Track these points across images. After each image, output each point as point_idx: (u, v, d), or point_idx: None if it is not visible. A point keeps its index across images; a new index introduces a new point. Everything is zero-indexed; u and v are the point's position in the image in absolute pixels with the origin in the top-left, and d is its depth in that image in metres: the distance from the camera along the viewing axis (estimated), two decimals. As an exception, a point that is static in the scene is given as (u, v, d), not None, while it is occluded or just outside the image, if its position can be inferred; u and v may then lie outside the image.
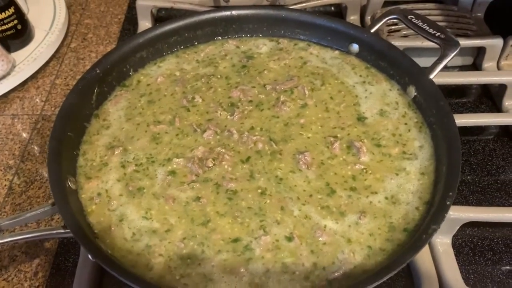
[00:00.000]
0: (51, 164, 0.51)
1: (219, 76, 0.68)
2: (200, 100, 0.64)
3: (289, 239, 0.49)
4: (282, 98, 0.64)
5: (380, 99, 0.64)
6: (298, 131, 0.60)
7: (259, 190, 0.54)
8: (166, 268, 0.47)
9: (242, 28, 0.73)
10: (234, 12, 0.72)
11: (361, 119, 0.62)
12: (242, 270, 0.46)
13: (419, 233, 0.46)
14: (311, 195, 0.53)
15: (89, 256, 0.45)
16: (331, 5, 0.96)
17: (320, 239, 0.49)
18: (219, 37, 0.73)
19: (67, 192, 0.51)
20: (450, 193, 0.48)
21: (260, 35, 0.74)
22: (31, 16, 0.92)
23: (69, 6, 1.01)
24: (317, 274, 0.46)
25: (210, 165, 0.56)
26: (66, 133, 0.56)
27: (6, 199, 0.67)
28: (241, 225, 0.50)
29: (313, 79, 0.67)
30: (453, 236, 0.60)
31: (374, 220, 0.51)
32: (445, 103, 0.57)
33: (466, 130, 0.73)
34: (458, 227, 0.58)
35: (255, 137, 0.59)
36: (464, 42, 0.78)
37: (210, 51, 0.72)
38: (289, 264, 0.47)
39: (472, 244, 0.61)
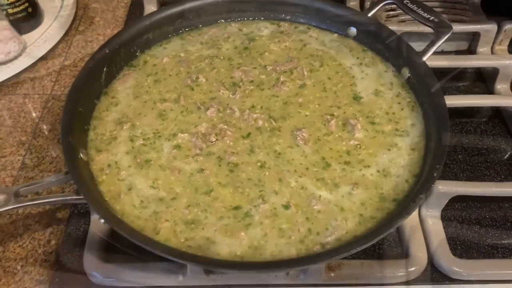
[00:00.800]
0: (64, 136, 0.54)
1: (222, 58, 0.71)
2: (204, 80, 0.68)
3: (286, 207, 0.52)
4: (282, 78, 0.67)
5: (375, 80, 0.67)
6: (297, 110, 0.63)
7: (259, 164, 0.57)
8: (171, 232, 0.51)
9: (245, 11, 0.76)
10: (237, -4, 0.75)
11: (357, 98, 0.65)
12: (242, 234, 0.50)
13: (407, 202, 0.50)
14: (307, 168, 0.56)
15: (100, 220, 0.49)
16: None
17: (315, 207, 0.52)
18: (223, 20, 0.76)
19: (80, 162, 0.54)
20: (437, 166, 0.51)
21: (262, 19, 0.77)
22: (40, 0, 0.95)
23: (76, -9, 1.04)
24: (311, 238, 0.50)
25: (213, 140, 0.59)
26: (77, 108, 0.60)
27: (20, 172, 0.71)
28: (241, 195, 0.54)
29: (312, 61, 0.70)
30: (443, 210, 0.63)
31: (366, 191, 0.54)
32: (436, 84, 0.60)
33: (460, 112, 0.76)
34: (447, 201, 0.61)
35: (255, 115, 0.62)
36: (458, 27, 0.81)
37: (213, 34, 0.75)
38: (285, 229, 0.51)
39: (460, 218, 0.64)
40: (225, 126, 0.61)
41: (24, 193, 0.50)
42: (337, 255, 0.45)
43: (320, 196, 0.54)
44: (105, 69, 0.66)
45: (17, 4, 0.84)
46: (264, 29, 0.75)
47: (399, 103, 0.64)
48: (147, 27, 0.71)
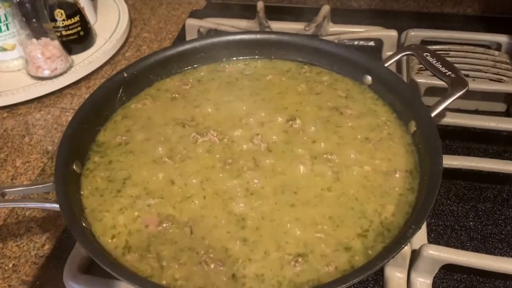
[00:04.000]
0: (63, 146, 0.58)
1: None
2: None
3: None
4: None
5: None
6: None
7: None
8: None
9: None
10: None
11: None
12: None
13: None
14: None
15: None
16: (371, 39, 0.98)
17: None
18: (235, 58, 0.78)
19: (70, 174, 0.58)
20: (413, 226, 0.47)
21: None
22: (97, 26, 1.05)
23: (133, 21, 1.13)
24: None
25: None
26: (83, 125, 0.64)
27: (37, 178, 0.76)
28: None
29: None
30: (438, 279, 0.58)
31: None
32: (438, 143, 0.57)
33: (482, 176, 0.70)
34: (438, 268, 0.56)
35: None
36: (490, 87, 0.76)
37: (233, 70, 0.77)
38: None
39: (457, 290, 0.59)
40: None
41: (11, 194, 0.53)
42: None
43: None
44: (121, 91, 0.70)
45: (70, 27, 0.93)
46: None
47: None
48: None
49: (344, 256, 0.50)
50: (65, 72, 0.92)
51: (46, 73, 0.90)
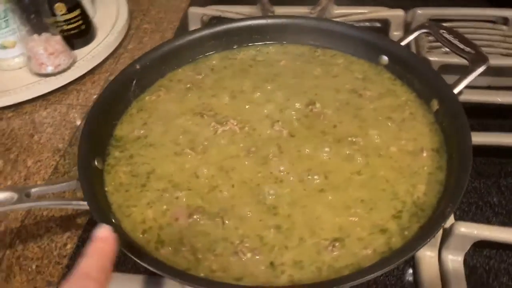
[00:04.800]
0: (82, 143, 0.57)
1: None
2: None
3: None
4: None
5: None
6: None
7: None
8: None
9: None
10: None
11: None
12: None
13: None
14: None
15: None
16: (377, 20, 0.97)
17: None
18: (244, 44, 0.77)
19: (92, 170, 0.56)
20: (450, 204, 0.47)
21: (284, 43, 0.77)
22: (97, 19, 1.02)
23: (131, 12, 1.10)
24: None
25: None
26: (100, 120, 0.62)
27: (51, 176, 0.75)
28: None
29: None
30: (468, 255, 0.58)
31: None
32: (464, 120, 0.56)
33: (501, 151, 0.70)
34: (470, 246, 0.56)
35: None
36: (507, 63, 0.76)
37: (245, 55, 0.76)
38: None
39: (487, 266, 0.59)
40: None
41: (34, 194, 0.52)
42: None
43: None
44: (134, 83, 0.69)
45: (72, 21, 0.91)
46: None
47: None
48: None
49: (381, 238, 0.49)
50: (68, 67, 0.89)
51: (50, 69, 0.87)
